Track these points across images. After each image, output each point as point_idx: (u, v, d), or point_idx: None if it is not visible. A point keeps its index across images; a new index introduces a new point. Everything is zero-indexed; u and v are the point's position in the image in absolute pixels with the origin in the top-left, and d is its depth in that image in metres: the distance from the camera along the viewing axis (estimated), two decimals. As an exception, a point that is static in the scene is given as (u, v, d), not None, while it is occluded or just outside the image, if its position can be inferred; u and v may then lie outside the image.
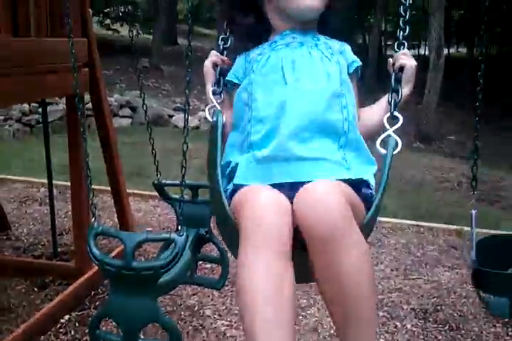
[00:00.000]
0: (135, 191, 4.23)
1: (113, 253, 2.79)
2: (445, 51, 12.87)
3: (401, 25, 1.30)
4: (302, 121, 1.19)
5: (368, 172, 1.21)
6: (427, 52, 16.68)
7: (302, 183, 1.09)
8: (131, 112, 8.59)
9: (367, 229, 1.14)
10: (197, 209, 2.18)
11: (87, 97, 2.62)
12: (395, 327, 2.49)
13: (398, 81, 1.27)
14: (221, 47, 1.44)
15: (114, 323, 2.34)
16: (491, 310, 1.70)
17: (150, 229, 3.64)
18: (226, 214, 1.19)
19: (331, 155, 1.18)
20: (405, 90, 1.27)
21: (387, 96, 1.29)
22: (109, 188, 3.04)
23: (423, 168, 6.35)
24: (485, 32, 1.82)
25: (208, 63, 1.42)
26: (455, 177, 5.85)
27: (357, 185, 1.17)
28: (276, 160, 1.18)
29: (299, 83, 1.25)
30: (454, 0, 20.74)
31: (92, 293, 2.65)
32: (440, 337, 2.41)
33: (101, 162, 2.88)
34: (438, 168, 6.43)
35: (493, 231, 3.77)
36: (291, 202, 1.07)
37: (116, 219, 3.27)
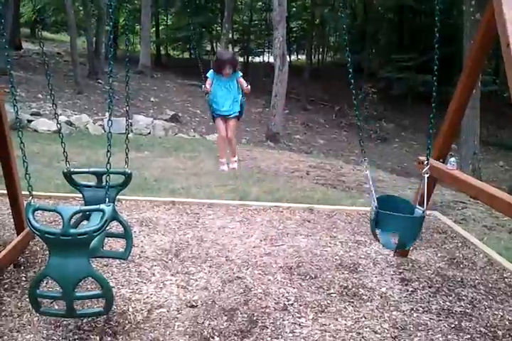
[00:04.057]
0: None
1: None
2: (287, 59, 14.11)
3: None
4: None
5: (239, 109, 6.26)
6: (271, 60, 18.02)
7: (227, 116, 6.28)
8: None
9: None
10: (103, 192, 2.56)
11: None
12: (269, 280, 3.09)
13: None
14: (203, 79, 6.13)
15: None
16: (383, 245, 2.49)
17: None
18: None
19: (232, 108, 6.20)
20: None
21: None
22: None
23: (276, 161, 7.16)
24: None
25: (207, 85, 6.05)
26: (303, 168, 6.72)
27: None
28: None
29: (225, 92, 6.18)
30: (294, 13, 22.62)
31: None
32: (303, 284, 3.06)
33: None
34: (288, 161, 7.30)
35: (338, 207, 4.62)
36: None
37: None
